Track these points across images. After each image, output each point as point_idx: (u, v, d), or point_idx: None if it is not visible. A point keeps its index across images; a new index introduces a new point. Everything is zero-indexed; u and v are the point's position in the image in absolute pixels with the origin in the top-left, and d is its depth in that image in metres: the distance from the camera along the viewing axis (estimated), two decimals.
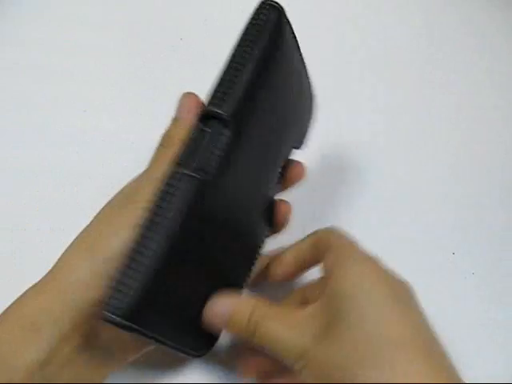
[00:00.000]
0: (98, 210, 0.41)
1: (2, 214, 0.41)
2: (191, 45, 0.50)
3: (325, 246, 0.31)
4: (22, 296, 0.28)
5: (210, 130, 0.27)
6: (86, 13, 0.52)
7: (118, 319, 0.25)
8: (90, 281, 0.27)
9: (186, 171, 0.26)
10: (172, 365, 0.35)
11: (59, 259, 0.30)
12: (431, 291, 0.33)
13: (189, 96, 0.31)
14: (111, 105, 0.47)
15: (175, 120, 0.30)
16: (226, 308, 0.29)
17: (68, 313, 0.27)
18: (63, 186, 0.43)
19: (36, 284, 0.29)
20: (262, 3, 0.29)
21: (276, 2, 0.30)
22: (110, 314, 0.25)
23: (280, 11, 0.30)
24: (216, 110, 0.27)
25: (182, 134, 0.28)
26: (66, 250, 0.30)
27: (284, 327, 0.28)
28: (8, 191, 0.42)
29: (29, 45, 0.50)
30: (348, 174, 0.44)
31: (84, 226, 0.40)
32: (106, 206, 0.31)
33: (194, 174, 0.26)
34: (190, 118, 0.29)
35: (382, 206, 0.42)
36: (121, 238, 0.27)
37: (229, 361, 0.35)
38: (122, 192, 0.31)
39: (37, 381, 0.26)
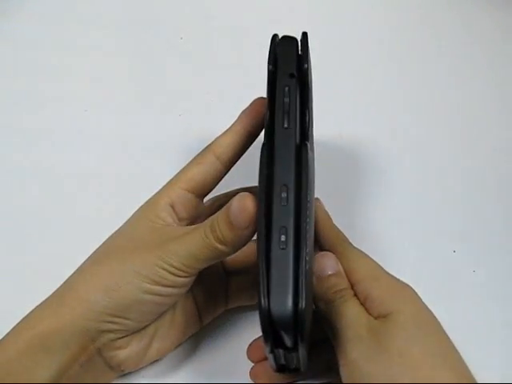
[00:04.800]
0: (98, 210, 0.41)
1: (3, 214, 0.41)
2: (191, 44, 0.50)
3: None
4: (31, 314, 0.30)
5: None
6: (86, 12, 0.52)
7: None
8: (102, 316, 0.29)
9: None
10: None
11: (69, 283, 0.31)
12: (432, 289, 0.33)
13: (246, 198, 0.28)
14: (112, 104, 0.47)
15: (229, 220, 0.28)
16: (332, 265, 0.31)
17: (77, 337, 0.29)
18: (64, 186, 0.43)
19: (45, 303, 0.30)
20: None
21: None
22: None
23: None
24: None
25: (228, 235, 0.28)
26: (77, 278, 0.31)
27: (356, 320, 0.29)
28: (8, 191, 0.42)
29: (29, 44, 0.50)
30: (346, 173, 0.44)
31: (83, 227, 0.40)
32: (112, 239, 0.32)
33: None
34: (245, 223, 0.28)
35: (382, 205, 0.42)
36: (135, 285, 0.29)
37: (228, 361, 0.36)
38: (120, 232, 0.32)
39: None
